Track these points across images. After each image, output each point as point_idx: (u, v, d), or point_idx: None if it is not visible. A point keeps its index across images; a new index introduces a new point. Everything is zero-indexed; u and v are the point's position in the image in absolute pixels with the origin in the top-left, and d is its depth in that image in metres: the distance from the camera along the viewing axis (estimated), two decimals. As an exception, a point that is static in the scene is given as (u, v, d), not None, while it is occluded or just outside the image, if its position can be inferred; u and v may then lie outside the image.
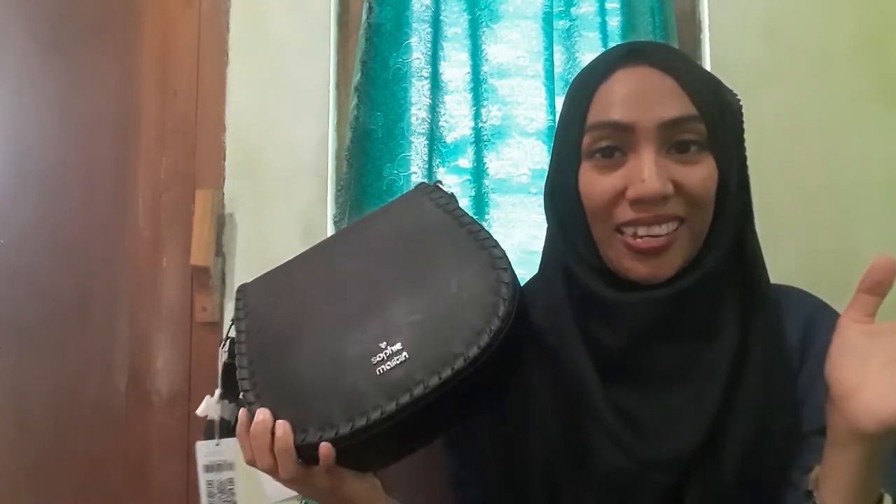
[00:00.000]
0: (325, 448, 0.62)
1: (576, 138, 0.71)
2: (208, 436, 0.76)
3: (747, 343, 0.69)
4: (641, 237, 0.67)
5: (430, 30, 1.25)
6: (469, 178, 1.26)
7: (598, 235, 0.70)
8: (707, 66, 1.25)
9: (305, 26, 1.31)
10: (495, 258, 0.66)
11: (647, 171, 0.65)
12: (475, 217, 1.26)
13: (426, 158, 1.24)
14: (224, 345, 0.74)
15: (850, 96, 1.22)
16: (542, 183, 1.22)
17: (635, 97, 0.68)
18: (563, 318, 0.72)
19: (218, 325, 1.29)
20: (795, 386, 0.69)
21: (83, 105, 1.35)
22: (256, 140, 1.30)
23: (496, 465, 0.75)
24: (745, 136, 0.74)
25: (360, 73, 1.23)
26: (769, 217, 1.23)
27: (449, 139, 1.27)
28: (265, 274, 0.77)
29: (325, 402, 0.63)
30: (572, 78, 1.23)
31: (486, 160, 1.25)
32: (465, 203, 1.26)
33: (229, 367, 0.71)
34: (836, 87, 1.23)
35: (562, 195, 0.73)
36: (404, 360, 0.62)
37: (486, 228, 0.71)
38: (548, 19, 1.25)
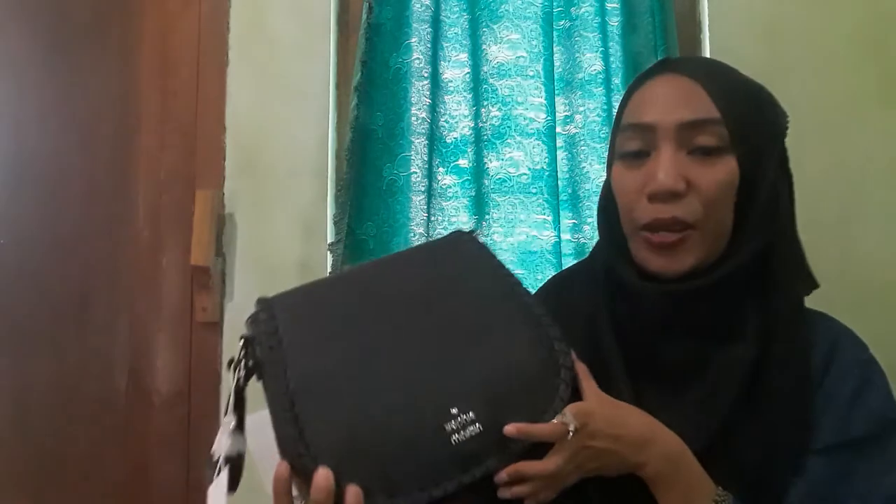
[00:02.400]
0: None
1: (614, 139, 0.77)
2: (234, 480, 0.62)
3: (768, 357, 0.71)
4: (658, 233, 0.71)
5: (430, 30, 1.25)
6: (469, 178, 1.26)
7: (626, 231, 0.74)
8: (707, 66, 1.25)
9: (305, 26, 1.31)
10: (553, 339, 0.67)
11: (661, 167, 0.70)
12: (475, 217, 1.28)
13: (426, 158, 1.24)
14: (237, 367, 0.63)
15: (850, 96, 1.22)
16: (542, 183, 1.24)
17: (659, 100, 0.73)
18: (597, 307, 0.76)
19: (218, 325, 1.29)
20: (811, 406, 0.70)
21: (83, 105, 1.35)
22: (256, 140, 1.30)
23: None
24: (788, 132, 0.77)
25: (360, 73, 1.22)
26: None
27: (449, 139, 1.27)
28: (291, 292, 0.69)
29: (396, 467, 0.58)
30: (573, 78, 1.27)
31: (486, 160, 1.25)
32: (464, 203, 1.26)
33: (239, 393, 0.63)
34: (836, 87, 1.23)
35: (603, 196, 0.79)
36: (479, 433, 0.60)
37: (531, 295, 0.71)
38: (548, 19, 1.25)
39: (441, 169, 1.26)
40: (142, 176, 1.34)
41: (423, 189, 1.23)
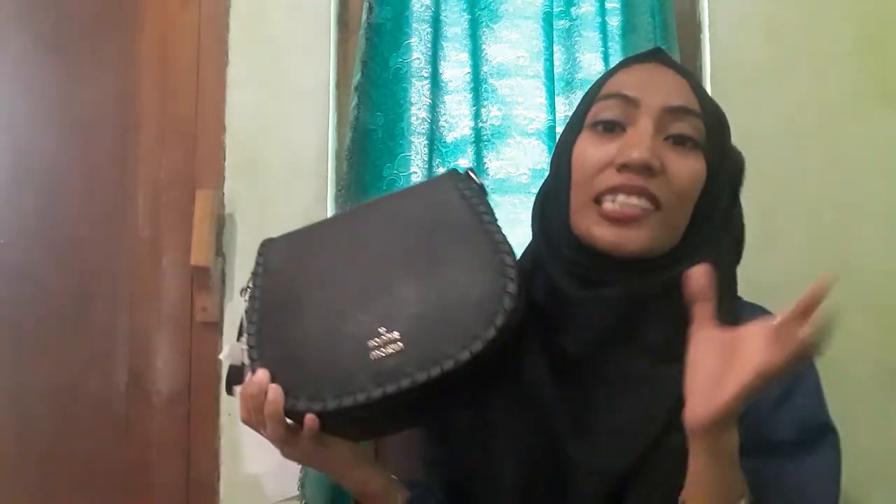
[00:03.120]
0: (309, 419, 0.65)
1: (583, 111, 0.74)
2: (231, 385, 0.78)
3: None
4: (618, 203, 0.68)
5: (430, 30, 1.25)
6: (469, 178, 1.26)
7: (576, 205, 0.71)
8: (707, 66, 1.26)
9: (305, 26, 1.31)
10: (506, 266, 0.67)
11: (641, 140, 0.68)
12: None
13: (426, 158, 1.24)
14: (244, 294, 0.76)
15: (851, 96, 1.22)
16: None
17: (648, 82, 0.72)
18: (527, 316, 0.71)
19: (218, 325, 1.29)
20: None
21: (83, 105, 1.35)
22: (256, 140, 1.30)
23: (469, 450, 0.76)
24: (745, 159, 0.77)
25: (360, 73, 1.22)
26: (768, 217, 1.24)
27: (449, 139, 1.27)
28: (290, 233, 0.79)
29: (319, 376, 0.66)
30: (573, 78, 1.26)
31: (486, 160, 1.25)
32: (465, 203, 1.26)
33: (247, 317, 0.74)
34: (836, 87, 1.23)
35: (555, 166, 0.76)
36: (399, 351, 0.64)
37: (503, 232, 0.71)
38: (548, 19, 1.25)
39: (441, 169, 1.26)
40: (142, 176, 1.34)
41: (423, 189, 1.23)
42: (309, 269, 0.74)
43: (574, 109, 0.79)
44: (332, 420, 0.65)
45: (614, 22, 1.24)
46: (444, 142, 1.27)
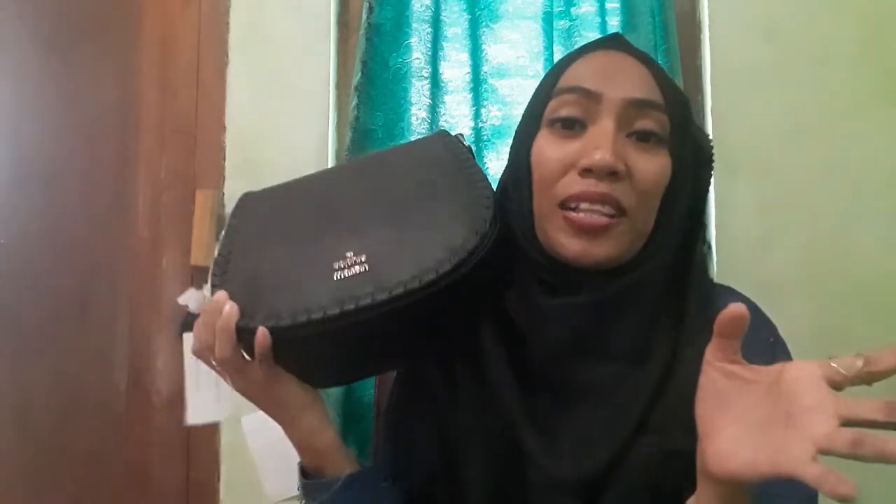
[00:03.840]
0: (260, 334, 0.62)
1: (540, 106, 0.70)
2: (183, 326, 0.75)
3: (674, 365, 0.66)
4: (583, 211, 0.65)
5: (430, 30, 1.25)
6: (469, 178, 1.26)
7: (540, 210, 0.68)
8: (707, 66, 1.26)
9: (305, 26, 1.31)
10: (481, 197, 0.66)
11: (603, 141, 0.64)
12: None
13: (426, 158, 1.24)
14: (218, 238, 0.76)
15: (851, 96, 1.22)
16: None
17: (608, 72, 0.68)
18: (489, 316, 0.70)
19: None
20: None
21: (83, 105, 1.35)
22: (256, 140, 1.30)
23: (432, 458, 0.72)
24: (714, 161, 0.73)
25: (360, 73, 1.22)
26: (769, 217, 1.24)
27: (449, 139, 1.27)
28: (271, 186, 0.79)
29: (277, 295, 0.64)
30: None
31: (486, 160, 1.25)
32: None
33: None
34: (837, 86, 1.23)
35: (513, 168, 0.72)
36: (363, 272, 0.63)
37: (487, 175, 0.71)
38: (548, 19, 1.25)
39: (441, 169, 1.26)
40: (142, 176, 1.34)
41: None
42: (283, 212, 0.73)
43: (529, 101, 0.74)
44: (285, 341, 0.63)
45: (614, 22, 1.24)
46: (444, 142, 1.27)
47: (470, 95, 1.26)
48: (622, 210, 0.65)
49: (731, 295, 0.72)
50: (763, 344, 0.68)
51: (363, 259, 0.63)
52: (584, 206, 0.64)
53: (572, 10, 1.26)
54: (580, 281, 0.67)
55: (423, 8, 1.25)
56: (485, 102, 1.26)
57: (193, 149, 1.32)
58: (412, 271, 0.61)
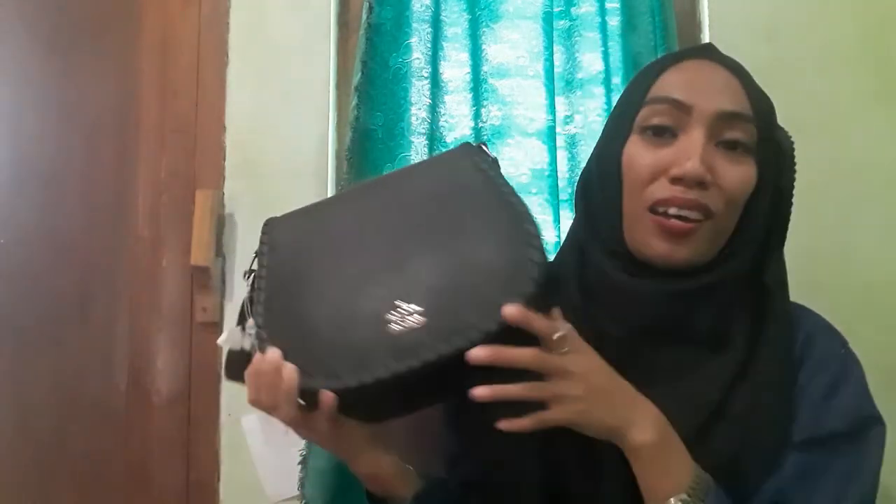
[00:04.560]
0: (326, 396, 0.62)
1: (632, 112, 0.72)
2: (233, 370, 0.74)
3: (753, 357, 0.70)
4: (672, 216, 0.68)
5: (430, 30, 1.25)
6: (469, 178, 1.26)
7: (630, 211, 0.71)
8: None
9: (305, 26, 1.31)
10: (529, 235, 0.65)
11: (693, 151, 0.67)
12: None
13: (426, 158, 1.23)
14: (248, 276, 0.73)
15: (851, 96, 1.22)
16: (542, 183, 1.24)
17: (700, 84, 0.70)
18: (571, 302, 0.73)
19: (218, 325, 1.29)
20: (790, 401, 0.70)
21: (83, 105, 1.35)
22: (256, 140, 1.30)
23: (491, 448, 0.74)
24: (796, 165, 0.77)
25: (360, 73, 1.22)
26: (769, 217, 1.23)
27: (449, 139, 1.27)
28: (294, 211, 0.77)
29: (334, 353, 0.63)
30: (573, 78, 1.26)
31: (486, 160, 1.25)
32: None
33: (250, 300, 0.72)
34: (837, 87, 1.23)
35: (600, 169, 0.74)
36: (419, 324, 0.61)
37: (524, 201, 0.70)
38: (548, 19, 1.25)
39: (441, 169, 1.26)
40: (142, 176, 1.34)
41: (423, 189, 1.23)
42: (317, 245, 0.71)
43: (619, 105, 0.77)
44: (350, 398, 0.62)
45: (614, 22, 1.24)
46: (444, 142, 1.26)
47: (470, 95, 1.26)
48: (709, 213, 0.68)
49: (805, 312, 0.77)
50: (836, 356, 0.72)
51: (417, 309, 0.62)
52: (672, 210, 0.68)
53: (572, 10, 1.26)
54: (663, 274, 0.70)
55: (423, 8, 1.25)
56: (485, 102, 1.26)
57: (193, 149, 1.32)
58: (471, 320, 0.60)
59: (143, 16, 1.35)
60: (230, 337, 0.72)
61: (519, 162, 1.25)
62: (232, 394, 1.24)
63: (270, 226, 0.76)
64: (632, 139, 0.72)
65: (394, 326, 0.62)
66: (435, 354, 0.60)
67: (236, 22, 1.33)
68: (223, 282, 1.29)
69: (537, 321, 0.60)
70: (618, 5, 1.24)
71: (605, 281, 0.72)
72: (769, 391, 0.69)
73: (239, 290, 1.29)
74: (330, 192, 1.29)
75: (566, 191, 1.26)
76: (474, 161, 0.74)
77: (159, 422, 1.29)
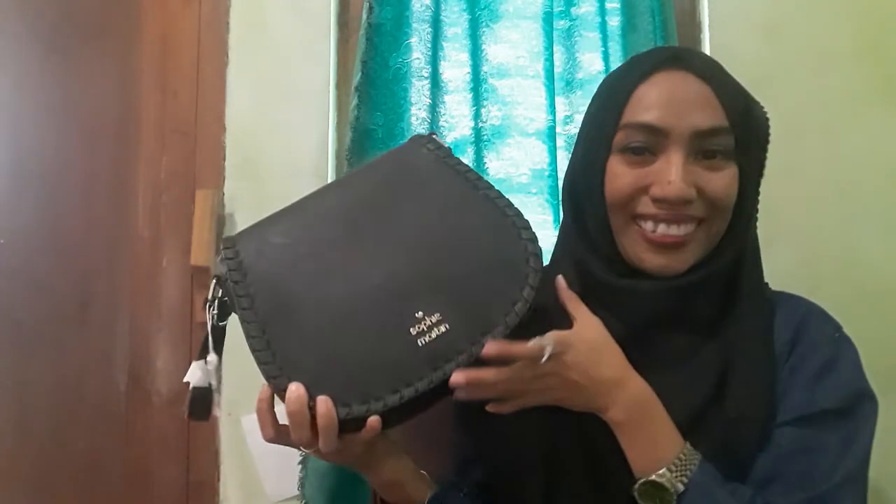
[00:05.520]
0: (373, 421, 0.61)
1: (609, 133, 0.73)
2: (198, 408, 0.70)
3: (739, 337, 0.72)
4: (659, 232, 0.70)
5: (430, 30, 1.25)
6: (469, 178, 1.26)
7: (616, 224, 0.73)
8: (707, 66, 1.26)
9: (305, 26, 1.31)
10: (521, 228, 0.67)
11: (674, 174, 0.69)
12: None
13: (426, 158, 1.23)
14: (208, 306, 0.68)
15: (851, 96, 1.22)
16: (542, 183, 1.24)
17: (673, 103, 0.70)
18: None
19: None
20: (776, 380, 0.72)
21: (83, 105, 1.35)
22: (256, 140, 1.30)
23: (501, 448, 0.77)
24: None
25: (360, 73, 1.22)
26: (769, 218, 1.23)
27: (449, 139, 1.27)
28: (255, 226, 0.73)
29: (366, 376, 0.61)
30: (573, 78, 1.26)
31: (486, 160, 1.25)
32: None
33: (221, 329, 0.69)
34: (837, 87, 1.22)
35: (584, 184, 0.76)
36: (445, 332, 0.62)
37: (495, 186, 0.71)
38: (548, 19, 1.25)
39: (441, 169, 1.26)
40: (142, 176, 1.34)
41: (423, 189, 1.23)
42: (300, 260, 0.66)
43: (594, 121, 0.77)
44: (391, 417, 0.61)
45: (614, 22, 1.24)
46: (445, 142, 1.26)
47: (470, 95, 1.26)
48: (699, 220, 0.71)
49: (799, 298, 0.79)
50: (829, 338, 0.74)
51: (439, 318, 0.62)
52: (661, 227, 0.70)
53: (572, 10, 1.26)
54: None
55: (423, 8, 1.25)
56: (485, 102, 1.26)
57: (193, 149, 1.32)
58: (493, 317, 0.62)
59: (143, 16, 1.35)
60: (195, 372, 0.69)
61: (519, 162, 1.25)
62: (232, 394, 1.24)
63: (232, 243, 0.70)
64: (612, 159, 0.73)
65: (421, 339, 0.62)
66: (468, 357, 0.61)
67: (236, 22, 1.32)
68: (223, 282, 1.29)
69: (519, 349, 0.63)
70: (618, 5, 1.24)
71: (602, 285, 0.74)
72: (752, 367, 0.72)
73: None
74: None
75: (566, 191, 1.26)
76: (437, 154, 0.74)
77: (159, 422, 1.29)
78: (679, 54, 0.75)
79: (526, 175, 1.25)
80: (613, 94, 0.75)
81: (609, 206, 0.73)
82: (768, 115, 0.77)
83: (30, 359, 1.30)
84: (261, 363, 0.63)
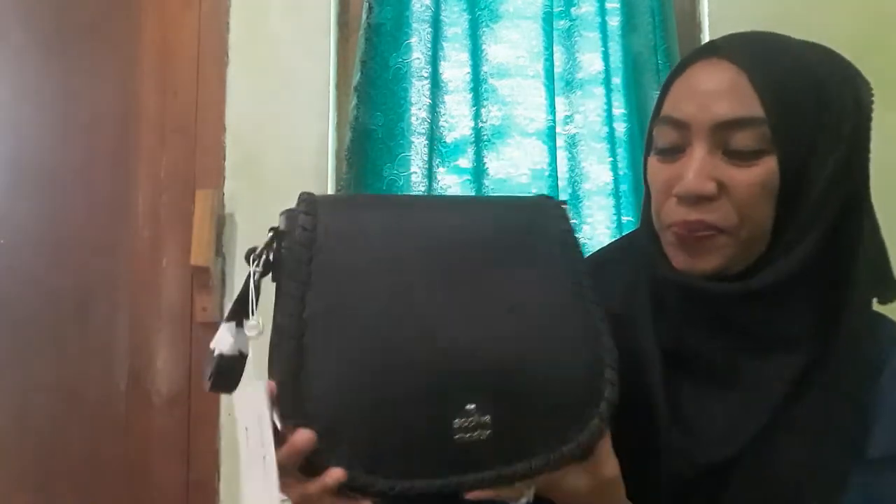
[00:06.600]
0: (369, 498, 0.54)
1: (651, 129, 0.71)
2: (223, 380, 0.59)
3: (823, 359, 0.65)
4: (680, 218, 0.66)
5: (430, 30, 1.25)
6: (469, 178, 1.26)
7: (656, 225, 0.70)
8: (707, 66, 1.25)
9: (305, 26, 1.31)
10: (607, 365, 0.58)
11: (691, 168, 0.64)
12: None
13: (426, 158, 1.24)
14: (258, 256, 0.56)
15: (851, 96, 1.22)
16: (542, 183, 1.24)
17: (698, 93, 0.67)
18: (639, 297, 0.71)
19: (217, 325, 1.28)
20: (863, 412, 0.64)
21: (83, 105, 1.35)
22: (256, 140, 1.30)
23: None
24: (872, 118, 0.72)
25: (360, 73, 1.22)
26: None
27: (449, 139, 1.27)
28: (346, 199, 0.63)
29: (386, 446, 0.53)
30: (573, 78, 1.27)
31: (486, 160, 1.25)
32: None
33: (256, 289, 0.56)
34: (837, 87, 1.22)
35: (644, 179, 0.74)
36: (485, 440, 0.53)
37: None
38: (548, 19, 1.25)
39: (441, 169, 1.26)
40: (142, 176, 1.34)
41: (423, 189, 1.23)
42: (382, 276, 0.55)
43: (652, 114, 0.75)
44: (387, 501, 0.53)
45: (614, 22, 1.24)
46: (444, 142, 1.27)
47: (470, 95, 1.26)
48: (718, 229, 0.64)
49: (883, 318, 0.71)
50: None
51: (487, 421, 0.53)
52: (683, 234, 0.66)
53: (572, 10, 1.26)
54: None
55: (423, 8, 1.25)
56: (485, 102, 1.26)
57: (193, 149, 1.32)
58: (538, 444, 0.55)
59: (143, 16, 1.35)
60: (223, 338, 0.58)
61: (519, 162, 1.25)
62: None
63: (311, 209, 0.58)
64: (651, 158, 0.70)
65: (459, 436, 0.53)
66: (496, 475, 0.54)
67: (236, 22, 1.33)
68: (223, 282, 1.29)
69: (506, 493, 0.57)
70: (618, 5, 1.24)
71: (664, 276, 0.69)
72: (842, 399, 0.64)
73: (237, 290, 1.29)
74: (330, 192, 1.29)
75: (566, 191, 1.26)
76: (562, 231, 0.66)
77: (159, 422, 1.29)
78: (718, 41, 0.71)
79: (526, 175, 1.25)
80: (661, 90, 0.73)
81: (653, 208, 0.70)
82: (873, 97, 0.70)
83: (30, 359, 1.30)
84: (283, 370, 0.54)
